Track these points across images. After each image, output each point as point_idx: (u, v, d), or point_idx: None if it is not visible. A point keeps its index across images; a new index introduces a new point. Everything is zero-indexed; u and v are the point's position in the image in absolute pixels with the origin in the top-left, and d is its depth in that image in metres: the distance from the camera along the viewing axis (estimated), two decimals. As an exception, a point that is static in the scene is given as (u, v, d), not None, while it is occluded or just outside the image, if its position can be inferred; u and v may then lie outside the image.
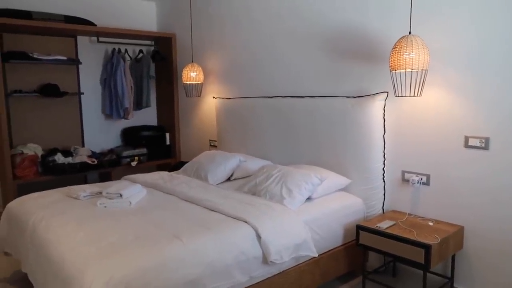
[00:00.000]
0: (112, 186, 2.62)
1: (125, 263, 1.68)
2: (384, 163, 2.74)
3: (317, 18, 3.09)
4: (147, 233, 1.96)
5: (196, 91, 4.04)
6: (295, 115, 3.17)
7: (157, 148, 4.69)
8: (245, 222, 2.13)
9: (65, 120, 4.33)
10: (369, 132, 2.72)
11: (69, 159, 3.98)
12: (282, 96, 3.35)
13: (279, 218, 2.23)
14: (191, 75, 3.94)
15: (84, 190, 2.65)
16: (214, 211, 2.32)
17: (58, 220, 2.17)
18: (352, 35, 2.89)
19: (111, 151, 4.41)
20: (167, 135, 4.81)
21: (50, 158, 3.93)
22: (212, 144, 4.23)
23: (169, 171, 3.91)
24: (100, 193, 2.63)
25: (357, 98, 2.80)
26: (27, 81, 4.06)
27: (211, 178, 3.05)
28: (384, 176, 2.75)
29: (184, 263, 1.80)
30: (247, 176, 3.17)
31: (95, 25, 4.16)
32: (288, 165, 3.08)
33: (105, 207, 2.43)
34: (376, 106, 2.69)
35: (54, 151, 4.02)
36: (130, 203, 2.46)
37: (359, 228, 2.45)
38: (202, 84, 4.05)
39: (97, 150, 4.54)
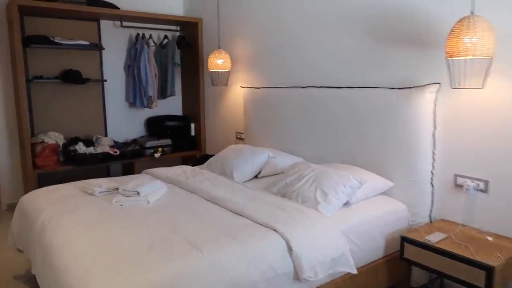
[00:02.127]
0: (129, 182, 2.41)
1: (133, 278, 1.45)
2: (433, 165, 2.40)
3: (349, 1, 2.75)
4: (162, 240, 1.72)
5: (222, 79, 3.78)
6: (330, 108, 2.86)
7: (181, 139, 4.48)
8: (275, 230, 1.86)
9: (87, 107, 4.18)
10: (416, 128, 2.38)
11: (91, 149, 3.82)
12: (315, 86, 3.03)
13: (313, 226, 1.95)
14: (218, 62, 3.68)
15: (100, 185, 2.45)
16: (240, 215, 2.07)
17: (67, 220, 1.97)
18: (397, 15, 2.53)
19: (134, 141, 4.23)
20: (192, 125, 4.59)
21: (71, 148, 3.78)
22: (238, 137, 3.97)
23: (193, 164, 3.69)
24: (117, 189, 2.43)
25: (402, 90, 2.46)
26: (49, 67, 3.91)
27: (237, 176, 2.79)
28: (432, 180, 2.41)
29: (203, 279, 1.56)
30: (276, 174, 2.90)
31: (119, 9, 3.95)
32: (321, 163, 2.78)
33: (121, 205, 2.22)
34: (426, 99, 2.34)
35: (75, 140, 3.87)
36: (148, 201, 2.24)
37: (404, 240, 2.13)
38: (229, 72, 3.78)
39: (120, 140, 4.38)
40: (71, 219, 1.98)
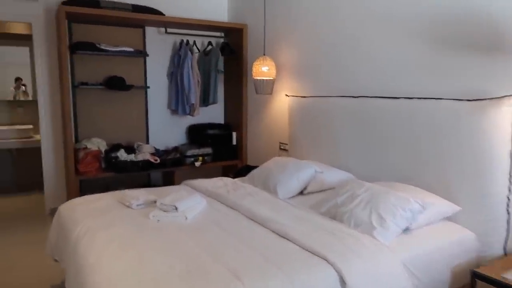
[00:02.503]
0: (167, 196, 2.28)
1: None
2: (509, 189, 2.08)
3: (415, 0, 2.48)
4: (200, 267, 1.55)
5: (267, 87, 3.61)
6: (385, 120, 2.60)
7: (222, 148, 4.35)
8: (325, 259, 1.64)
9: (130, 114, 4.15)
10: (489, 146, 2.07)
11: (132, 157, 3.77)
12: (368, 96, 2.78)
13: (370, 257, 1.71)
14: (262, 69, 3.51)
15: (137, 198, 2.34)
16: (285, 237, 1.87)
17: (102, 236, 1.86)
18: (469, 18, 2.24)
19: (175, 149, 4.15)
20: (234, 134, 4.45)
21: (113, 155, 3.75)
22: (282, 147, 3.77)
23: (234, 175, 3.54)
24: (155, 202, 2.30)
25: (472, 102, 2.16)
26: (94, 73, 3.92)
27: (281, 192, 2.59)
28: (508, 206, 2.09)
29: (244, 315, 1.37)
30: (322, 190, 2.68)
31: (164, 15, 3.90)
32: (374, 181, 2.52)
33: (158, 220, 2.09)
34: (503, 112, 2.04)
35: (117, 147, 3.84)
36: (186, 217, 2.10)
37: (476, 276, 1.83)
38: (274, 80, 3.60)
39: (161, 147, 4.32)
40: (106, 235, 1.86)
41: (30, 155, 4.98)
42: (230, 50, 4.30)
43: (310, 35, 3.35)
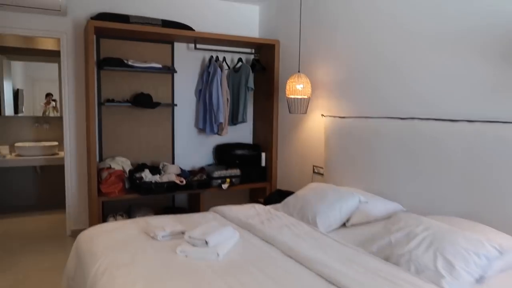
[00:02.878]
0: (197, 228, 2.03)
1: None
2: None
3: (476, 11, 2.20)
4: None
5: (301, 106, 3.36)
6: (440, 145, 2.30)
7: (251, 170, 4.11)
8: (388, 318, 1.35)
9: (156, 133, 3.98)
10: None
11: (157, 177, 3.57)
12: (420, 118, 2.49)
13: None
14: (297, 87, 3.28)
15: (163, 227, 2.11)
16: (334, 284, 1.58)
17: (123, 275, 1.62)
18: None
19: (201, 170, 3.93)
20: (263, 155, 4.21)
21: (137, 175, 3.57)
22: (316, 171, 3.50)
23: (265, 201, 3.28)
24: (183, 233, 2.07)
25: (551, 127, 1.85)
26: (120, 90, 3.79)
27: (321, 223, 2.31)
28: None
29: None
30: (368, 223, 2.38)
31: (193, 30, 3.75)
32: (428, 214, 2.22)
33: (186, 256, 1.84)
34: None
35: (142, 167, 3.66)
36: (218, 254, 1.84)
37: None
38: (309, 98, 3.36)
39: (187, 168, 4.12)
40: (127, 274, 1.63)
41: (55, 173, 4.88)
42: (261, 67, 4.10)
43: (349, 50, 3.11)
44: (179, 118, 4.09)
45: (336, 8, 3.25)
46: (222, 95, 3.83)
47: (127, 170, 3.64)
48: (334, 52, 3.28)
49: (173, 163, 4.08)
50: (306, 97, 3.33)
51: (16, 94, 4.74)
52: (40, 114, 4.84)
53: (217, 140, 4.31)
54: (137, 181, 3.52)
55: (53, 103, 4.92)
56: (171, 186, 3.59)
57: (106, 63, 3.54)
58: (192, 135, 4.19)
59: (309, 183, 2.93)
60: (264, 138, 4.26)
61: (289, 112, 3.41)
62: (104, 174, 3.44)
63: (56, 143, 4.72)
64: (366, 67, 2.96)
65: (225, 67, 4.03)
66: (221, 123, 3.87)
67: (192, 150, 4.20)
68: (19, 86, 4.78)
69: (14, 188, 4.75)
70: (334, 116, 3.16)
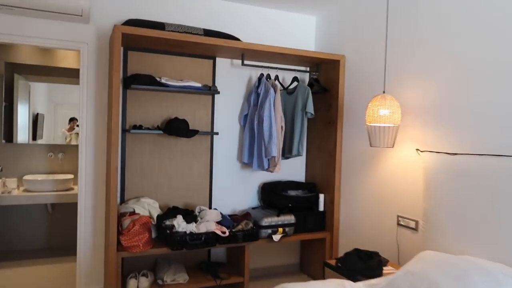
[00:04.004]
0: None
1: None
2: None
3: None
4: None
5: (387, 137, 2.54)
6: None
7: (305, 215, 3.27)
8: None
9: (191, 168, 3.21)
10: None
11: (192, 227, 2.77)
12: None
13: None
14: (381, 113, 2.47)
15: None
16: None
17: None
18: None
19: (246, 216, 3.11)
20: (321, 197, 3.37)
21: (168, 223, 2.78)
22: (403, 223, 2.62)
23: (339, 263, 2.42)
24: None
25: None
26: (150, 114, 3.07)
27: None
28: None
29: None
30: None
31: (241, 41, 3.03)
32: None
33: None
34: None
35: (173, 212, 2.87)
36: None
37: None
38: (397, 127, 2.54)
39: (227, 211, 3.34)
40: None
41: (69, 211, 4.15)
42: (321, 88, 3.33)
43: (453, 63, 2.30)
44: (218, 149, 3.33)
45: (436, 10, 2.47)
46: (275, 122, 3.06)
47: (154, 215, 2.86)
48: (431, 67, 2.48)
49: (210, 205, 3.29)
50: (393, 125, 2.51)
51: (36, 119, 4.11)
52: (61, 141, 4.17)
53: (263, 177, 3.51)
54: (167, 231, 2.72)
55: (78, 129, 4.25)
56: (210, 238, 2.78)
57: (134, 81, 2.84)
58: (234, 171, 3.41)
59: (420, 252, 2.10)
60: (321, 176, 3.43)
61: (371, 145, 2.58)
62: (126, 221, 2.66)
63: (71, 176, 4.02)
64: (483, 83, 2.13)
65: (280, 87, 3.26)
66: (273, 158, 3.07)
67: (233, 189, 3.41)
68: (39, 110, 4.15)
69: (20, 229, 4.04)
70: (440, 152, 2.31)
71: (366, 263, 2.36)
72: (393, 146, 2.54)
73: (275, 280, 3.43)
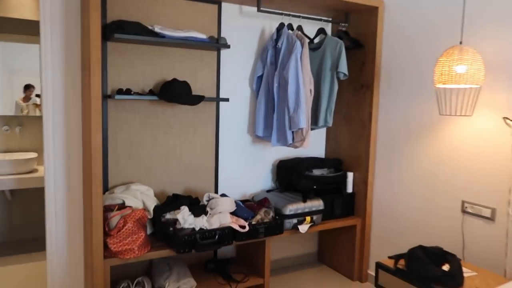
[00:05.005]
0: None
1: None
2: None
3: None
4: None
5: (465, 103, 1.95)
6: None
7: (333, 198, 2.70)
8: None
9: (193, 144, 2.54)
10: None
11: (203, 221, 2.13)
12: None
13: None
14: (457, 71, 1.86)
15: None
16: None
17: None
18: None
19: (264, 203, 2.49)
20: (350, 176, 2.80)
21: (169, 217, 2.13)
22: (471, 211, 2.09)
23: (396, 266, 1.88)
24: None
25: None
26: (138, 75, 2.34)
27: None
28: None
29: None
30: None
31: (259, -22, 2.31)
32: None
33: None
34: None
35: (175, 202, 2.22)
36: None
37: None
38: (479, 89, 1.94)
39: (236, 195, 2.72)
40: None
41: (33, 198, 3.40)
42: (354, 43, 2.68)
43: None
44: (225, 120, 2.66)
45: None
46: (303, 84, 2.40)
47: (151, 207, 2.19)
48: (521, 9, 1.88)
49: (216, 189, 2.65)
50: (475, 86, 1.92)
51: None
52: (19, 112, 3.34)
53: (278, 153, 2.89)
54: (170, 228, 2.07)
55: (37, 99, 3.41)
56: (226, 235, 2.15)
57: (118, 29, 2.08)
58: (244, 147, 2.76)
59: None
60: (349, 150, 2.84)
61: (440, 112, 1.99)
62: (115, 219, 1.99)
63: (34, 154, 3.25)
64: None
65: (307, 40, 2.56)
66: (300, 130, 2.43)
67: (244, 169, 2.77)
68: None
69: (-27, 220, 3.27)
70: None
71: (437, 265, 1.83)
72: (472, 114, 1.96)
73: (295, 274, 2.89)
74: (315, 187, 2.66)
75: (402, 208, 2.51)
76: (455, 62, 1.85)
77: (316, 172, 2.71)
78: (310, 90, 2.44)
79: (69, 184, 2.25)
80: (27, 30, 3.25)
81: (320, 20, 2.72)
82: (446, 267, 1.80)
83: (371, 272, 2.77)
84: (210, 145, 2.60)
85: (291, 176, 2.70)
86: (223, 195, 2.43)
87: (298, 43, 2.39)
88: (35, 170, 3.19)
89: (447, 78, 1.88)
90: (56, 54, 2.16)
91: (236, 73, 2.65)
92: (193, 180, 2.55)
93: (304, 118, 2.37)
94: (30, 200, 3.39)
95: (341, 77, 2.54)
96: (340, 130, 2.93)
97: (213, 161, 2.62)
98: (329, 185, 2.72)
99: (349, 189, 2.81)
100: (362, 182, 2.75)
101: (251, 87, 2.71)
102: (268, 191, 2.81)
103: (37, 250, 3.19)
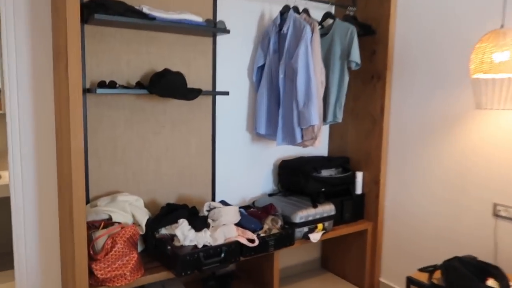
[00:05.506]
0: None
1: None
2: None
3: None
4: None
5: (505, 93, 1.73)
6: None
7: (342, 201, 2.45)
8: None
9: (187, 144, 2.21)
10: None
11: (205, 236, 1.82)
12: None
13: None
14: (499, 58, 1.63)
15: None
16: None
17: None
18: None
19: (269, 209, 2.20)
20: (359, 176, 2.55)
21: (165, 232, 1.81)
22: (503, 214, 1.88)
23: (430, 281, 1.64)
24: None
25: None
26: (123, 65, 1.99)
27: None
28: None
29: None
30: None
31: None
32: None
33: None
34: None
35: (171, 215, 1.89)
36: None
37: None
38: (519, 79, 1.72)
39: (235, 202, 2.42)
40: None
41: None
42: (366, 28, 2.41)
43: None
44: (222, 116, 2.34)
45: None
46: (315, 74, 2.11)
47: (143, 221, 1.86)
48: None
49: (213, 195, 2.34)
50: (517, 76, 1.69)
51: None
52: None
53: (279, 152, 2.60)
54: (168, 247, 1.75)
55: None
56: (233, 251, 1.85)
57: (99, 8, 1.72)
58: (242, 146, 2.45)
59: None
60: (356, 148, 2.59)
61: (478, 106, 1.76)
62: (101, 240, 1.64)
63: (-2, 158, 2.82)
64: None
65: (317, 25, 2.26)
66: (311, 127, 2.15)
67: (243, 171, 2.47)
68: None
69: None
70: None
71: (481, 280, 1.60)
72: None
73: (301, 284, 2.63)
74: (323, 189, 2.39)
75: (418, 211, 2.29)
76: (499, 48, 1.62)
77: (325, 172, 2.44)
78: (322, 82, 2.16)
79: (41, 194, 1.88)
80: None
81: (327, 2, 2.44)
82: (492, 283, 1.58)
83: (384, 280, 2.55)
84: (206, 145, 2.28)
85: (296, 177, 2.42)
86: (223, 202, 2.13)
87: (307, 27, 2.09)
88: (-3, 177, 2.77)
89: (489, 66, 1.64)
90: (21, 40, 1.77)
91: (234, 63, 2.33)
92: (187, 186, 2.23)
93: (316, 113, 2.09)
94: (-7, 210, 2.96)
95: (353, 66, 2.27)
96: (346, 125, 2.67)
97: (209, 163, 2.31)
98: (338, 187, 2.47)
99: (358, 190, 2.56)
100: (373, 183, 2.51)
101: (251, 78, 2.40)
102: (270, 195, 2.52)
103: (5, 269, 2.78)
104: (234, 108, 2.38)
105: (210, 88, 2.24)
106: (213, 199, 2.33)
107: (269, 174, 2.58)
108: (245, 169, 2.47)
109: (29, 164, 1.85)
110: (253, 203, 2.43)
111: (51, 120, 1.87)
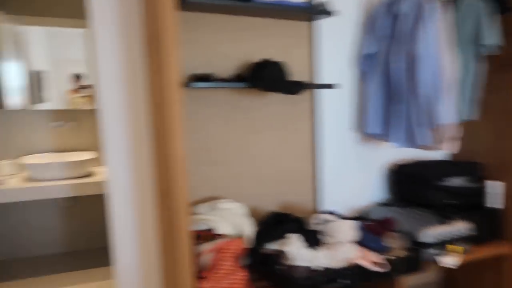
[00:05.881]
0: None
1: None
2: None
3: None
4: None
5: None
6: None
7: (473, 217, 1.99)
8: None
9: (287, 144, 1.93)
10: None
11: (321, 257, 1.51)
12: None
13: None
14: None
15: None
16: None
17: None
18: None
19: (386, 225, 1.82)
20: (496, 187, 2.08)
21: (272, 247, 1.53)
22: None
23: None
24: None
25: None
26: (219, 56, 1.76)
27: None
28: None
29: None
30: None
31: None
32: None
33: None
34: None
35: (278, 227, 1.62)
36: None
37: None
38: None
39: (343, 212, 2.08)
40: None
41: (92, 202, 2.98)
42: (497, 3, 1.95)
43: None
44: (324, 113, 2.03)
45: None
46: (442, 61, 1.71)
47: (248, 234, 1.60)
48: None
49: (316, 201, 2.03)
50: None
51: (37, 77, 2.81)
52: (67, 106, 2.89)
53: (392, 154, 2.22)
54: (277, 267, 1.47)
55: (88, 90, 2.94)
56: (356, 275, 1.52)
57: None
58: (347, 148, 2.11)
59: None
60: (488, 151, 2.11)
61: None
62: (207, 255, 1.41)
63: (91, 155, 2.77)
64: None
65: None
66: (443, 126, 1.74)
67: (349, 176, 2.13)
68: (40, 66, 2.83)
69: (26, 232, 2.87)
70: None
71: None
72: None
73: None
74: (450, 201, 1.97)
75: None
76: None
77: (452, 181, 2.01)
78: (452, 70, 1.75)
79: (138, 195, 1.72)
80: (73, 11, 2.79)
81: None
82: None
83: (529, 315, 2.04)
84: (307, 146, 1.98)
85: (416, 186, 2.03)
86: (333, 213, 1.81)
87: (430, 4, 1.70)
88: (90, 174, 2.71)
89: None
90: (110, 32, 1.62)
91: (336, 50, 2.01)
92: (288, 191, 1.95)
93: (448, 109, 1.69)
94: (89, 204, 2.95)
95: (486, 51, 1.83)
96: (474, 123, 2.21)
97: (310, 166, 2.00)
98: (469, 199, 2.02)
99: (493, 203, 2.09)
100: (513, 195, 2.02)
101: (357, 69, 2.05)
102: (379, 204, 2.15)
103: (103, 265, 2.70)
104: (337, 103, 2.05)
105: (308, 80, 1.94)
106: (317, 207, 2.02)
107: (378, 180, 2.21)
108: (351, 174, 2.13)
109: (124, 163, 1.69)
110: (366, 214, 2.08)
111: (140, 120, 1.70)
